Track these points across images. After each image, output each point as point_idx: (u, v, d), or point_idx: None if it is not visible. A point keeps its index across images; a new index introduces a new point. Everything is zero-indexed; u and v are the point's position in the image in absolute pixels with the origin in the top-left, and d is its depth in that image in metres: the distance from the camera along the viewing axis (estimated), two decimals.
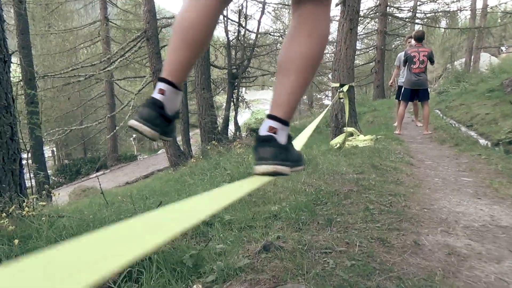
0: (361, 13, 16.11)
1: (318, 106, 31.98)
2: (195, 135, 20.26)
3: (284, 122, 1.06)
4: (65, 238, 2.04)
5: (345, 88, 5.01)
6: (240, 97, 15.59)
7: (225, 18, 13.44)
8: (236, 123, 14.82)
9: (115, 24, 18.10)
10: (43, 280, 0.34)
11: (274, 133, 1.03)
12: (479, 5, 20.93)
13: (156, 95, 1.06)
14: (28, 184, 4.31)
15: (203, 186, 3.58)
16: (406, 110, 6.85)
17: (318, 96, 32.03)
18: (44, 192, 3.04)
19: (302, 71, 1.06)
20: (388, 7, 17.36)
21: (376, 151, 4.44)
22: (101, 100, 21.34)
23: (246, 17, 14.51)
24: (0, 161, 2.92)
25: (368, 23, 20.24)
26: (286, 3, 17.20)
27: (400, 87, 6.99)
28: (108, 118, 16.35)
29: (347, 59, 6.16)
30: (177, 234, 0.49)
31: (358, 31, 7.81)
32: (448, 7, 17.65)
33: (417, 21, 18.43)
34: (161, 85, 1.07)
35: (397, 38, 20.78)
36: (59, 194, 3.75)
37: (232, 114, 14.68)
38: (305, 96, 33.47)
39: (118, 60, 11.60)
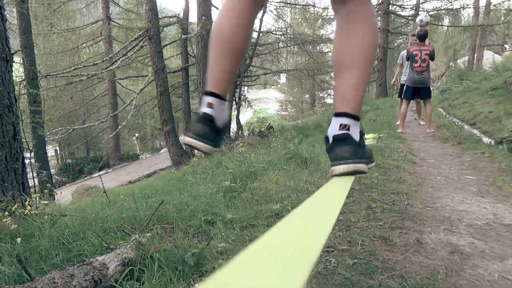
0: None
1: (320, 105, 31.96)
2: None
3: (355, 117, 1.04)
4: (68, 237, 2.04)
5: None
6: (242, 96, 15.60)
7: None
8: (238, 122, 14.84)
9: (117, 23, 18.11)
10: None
11: (348, 129, 1.02)
12: (482, 2, 20.82)
13: (205, 109, 1.07)
14: (31, 183, 4.33)
15: (205, 185, 3.58)
16: (408, 108, 6.83)
17: (321, 95, 31.99)
18: (46, 191, 3.05)
19: (364, 63, 1.06)
20: (390, 5, 17.29)
21: (379, 150, 4.43)
22: (103, 99, 21.39)
23: None
24: (2, 160, 2.92)
25: None
26: (288, 1, 17.18)
27: (402, 85, 6.97)
28: (111, 117, 16.36)
29: None
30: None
31: None
32: (451, 4, 17.57)
33: None
34: (208, 99, 1.08)
35: (400, 36, 20.72)
36: (61, 193, 3.76)
37: (234, 113, 14.69)
38: (307, 95, 33.45)
39: (120, 59, 11.61)
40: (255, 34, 15.45)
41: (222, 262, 1.51)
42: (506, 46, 26.61)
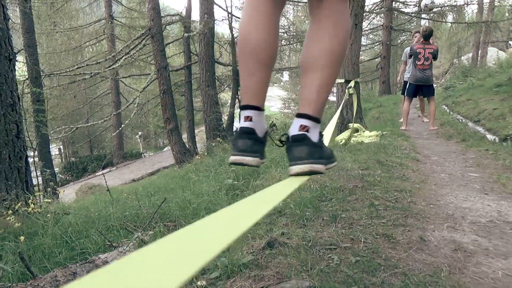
0: (366, 8, 15.97)
1: None
2: (200, 132, 20.33)
3: (315, 120, 1.05)
4: (71, 235, 2.05)
5: (352, 83, 4.99)
6: None
7: (230, 15, 13.40)
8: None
9: (119, 22, 18.15)
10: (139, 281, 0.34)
11: (307, 131, 1.03)
12: None
13: (244, 123, 1.08)
14: (35, 181, 4.35)
15: (208, 183, 3.58)
16: (412, 105, 6.81)
17: None
18: (49, 189, 3.06)
19: (330, 67, 1.06)
20: (393, 2, 17.17)
21: (382, 147, 4.41)
22: (106, 98, 21.44)
23: None
24: (6, 159, 2.94)
25: (374, 18, 20.04)
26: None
27: (405, 83, 6.96)
28: (114, 115, 16.44)
29: (352, 54, 6.12)
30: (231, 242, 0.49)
31: (363, 27, 7.75)
32: (455, 1, 17.43)
33: (423, 15, 18.21)
34: (246, 113, 1.08)
35: (403, 33, 20.57)
36: (64, 191, 3.78)
37: (237, 111, 14.68)
38: None
39: (123, 58, 11.62)
40: None
41: (224, 260, 1.51)
42: (511, 42, 26.39)
